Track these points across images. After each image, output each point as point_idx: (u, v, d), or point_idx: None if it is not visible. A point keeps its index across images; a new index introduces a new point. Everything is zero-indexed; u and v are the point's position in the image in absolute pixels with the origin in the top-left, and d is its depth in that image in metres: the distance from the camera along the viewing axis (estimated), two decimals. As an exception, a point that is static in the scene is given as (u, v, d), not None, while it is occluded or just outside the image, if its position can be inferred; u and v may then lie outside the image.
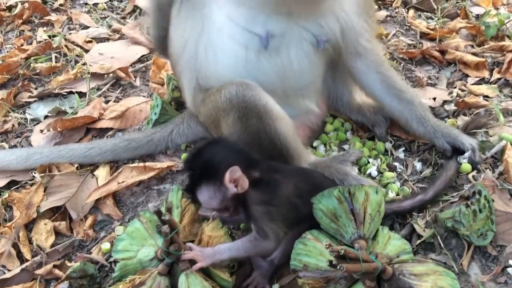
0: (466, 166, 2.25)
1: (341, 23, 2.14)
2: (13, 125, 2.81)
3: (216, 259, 1.78)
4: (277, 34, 2.03)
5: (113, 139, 2.57)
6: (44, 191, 2.35)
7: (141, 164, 2.43)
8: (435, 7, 3.55)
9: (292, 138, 2.09)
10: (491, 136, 2.44)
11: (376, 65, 2.30)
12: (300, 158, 2.15)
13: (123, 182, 2.35)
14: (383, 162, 2.36)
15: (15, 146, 2.70)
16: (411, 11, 3.56)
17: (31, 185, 2.41)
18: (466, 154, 2.24)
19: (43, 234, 2.18)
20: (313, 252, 1.78)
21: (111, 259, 2.05)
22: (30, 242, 2.17)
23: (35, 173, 2.45)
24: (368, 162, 2.36)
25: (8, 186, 2.43)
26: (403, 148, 2.44)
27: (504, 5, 3.67)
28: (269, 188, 1.79)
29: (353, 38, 2.21)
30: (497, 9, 3.55)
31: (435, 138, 2.29)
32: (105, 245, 2.10)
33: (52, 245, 2.15)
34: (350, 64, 2.30)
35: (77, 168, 2.45)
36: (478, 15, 3.47)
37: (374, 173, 2.31)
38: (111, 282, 1.90)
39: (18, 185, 2.42)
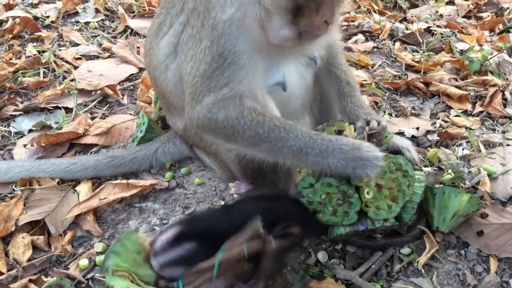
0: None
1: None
2: (-4, 138, 2.78)
3: None
4: (286, 72, 2.09)
5: (96, 156, 2.55)
6: (24, 204, 2.31)
7: (124, 181, 2.41)
8: (421, 40, 3.64)
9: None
10: (472, 167, 2.48)
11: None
12: (288, 175, 2.17)
13: (104, 198, 2.33)
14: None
15: (-2, 158, 2.67)
16: (397, 44, 3.65)
17: (11, 198, 2.37)
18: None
19: (20, 248, 2.13)
20: None
21: (89, 276, 2.02)
22: (7, 255, 2.12)
23: (15, 186, 2.42)
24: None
25: (-13, 198, 2.39)
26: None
27: (488, 42, 3.78)
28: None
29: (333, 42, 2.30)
30: (480, 45, 3.65)
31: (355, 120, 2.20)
32: (83, 262, 2.06)
33: (29, 259, 2.10)
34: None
35: (58, 183, 2.43)
36: (462, 50, 3.57)
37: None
38: None
39: (-1, 197, 2.39)
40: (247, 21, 1.86)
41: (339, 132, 1.99)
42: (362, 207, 1.91)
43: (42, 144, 2.66)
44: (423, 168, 2.42)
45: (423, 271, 2.01)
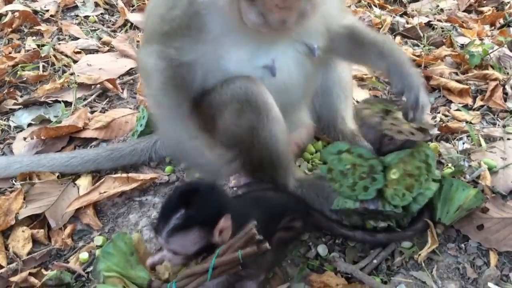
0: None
1: (325, 22, 2.12)
2: (-5, 132, 2.78)
3: None
4: (279, 57, 2.03)
5: (96, 149, 2.55)
6: (24, 198, 2.32)
7: (124, 175, 2.40)
8: (421, 35, 3.63)
9: (283, 145, 2.07)
10: (472, 161, 2.48)
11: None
12: (287, 169, 2.15)
13: (104, 192, 2.33)
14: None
15: (-2, 151, 2.67)
16: (398, 38, 3.64)
17: (11, 192, 2.37)
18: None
19: (20, 241, 2.13)
20: None
21: (89, 269, 2.02)
22: (7, 248, 2.12)
23: (15, 181, 2.42)
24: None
25: (-12, 192, 2.39)
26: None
27: (488, 36, 3.77)
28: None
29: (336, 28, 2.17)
30: (481, 39, 3.64)
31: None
32: (83, 255, 2.06)
33: (29, 253, 2.10)
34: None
35: (58, 177, 2.43)
36: (463, 44, 3.55)
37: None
38: None
39: (-2, 191, 2.39)
40: (220, 2, 1.85)
41: (387, 112, 2.00)
42: (383, 187, 1.91)
43: (42, 138, 2.66)
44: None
45: (423, 264, 2.01)
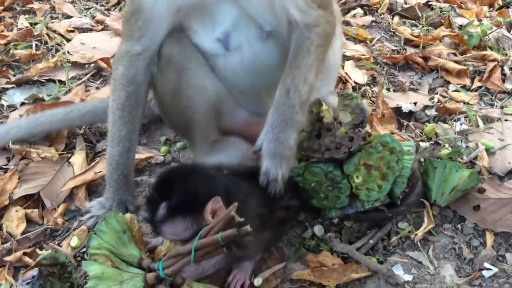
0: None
1: (288, 13, 1.83)
2: (-12, 112, 2.74)
3: (204, 275, 1.75)
4: (232, 32, 1.91)
5: (92, 101, 2.53)
6: (19, 178, 2.29)
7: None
8: (420, 15, 3.59)
9: (201, 115, 2.03)
10: (470, 142, 2.46)
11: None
12: (202, 141, 2.13)
13: (99, 172, 2.30)
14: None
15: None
16: (396, 18, 3.60)
17: (5, 171, 2.35)
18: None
19: (14, 221, 2.11)
20: None
21: (84, 250, 2.00)
22: (0, 228, 2.10)
23: (10, 158, 2.40)
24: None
25: (-19, 172, 2.36)
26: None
27: (487, 17, 3.74)
28: (239, 212, 1.69)
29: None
30: (480, 20, 3.61)
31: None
32: (73, 241, 2.02)
33: (23, 233, 2.08)
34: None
35: (56, 150, 2.43)
36: (461, 25, 3.53)
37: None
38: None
39: (-9, 171, 2.36)
40: None
41: (319, 120, 1.94)
42: (353, 191, 1.91)
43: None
44: (413, 140, 2.43)
45: (419, 245, 2.01)
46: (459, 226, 2.09)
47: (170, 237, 1.67)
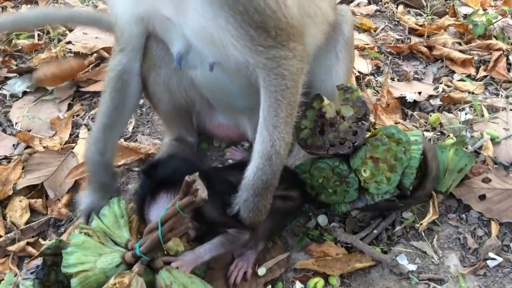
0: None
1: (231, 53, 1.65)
2: (-9, 102, 2.74)
3: (198, 263, 1.73)
4: (185, 54, 1.83)
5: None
6: (23, 168, 2.29)
7: (125, 143, 2.38)
8: (424, 4, 3.55)
9: (170, 111, 2.17)
10: (475, 132, 2.45)
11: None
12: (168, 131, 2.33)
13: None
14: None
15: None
16: (401, 7, 3.56)
17: (9, 161, 2.34)
18: None
19: (18, 211, 2.12)
20: None
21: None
22: (4, 218, 2.10)
23: (15, 148, 2.41)
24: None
25: (-16, 162, 2.36)
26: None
27: (492, 6, 3.70)
28: (221, 192, 1.76)
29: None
30: (485, 10, 3.57)
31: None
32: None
33: (27, 222, 2.09)
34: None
35: (60, 144, 2.43)
36: (466, 14, 3.49)
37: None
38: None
39: (-6, 161, 2.36)
40: None
41: (322, 116, 1.92)
42: (362, 184, 1.89)
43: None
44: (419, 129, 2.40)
45: (423, 234, 2.00)
46: (463, 216, 2.08)
47: (157, 219, 1.63)
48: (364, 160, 1.87)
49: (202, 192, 1.50)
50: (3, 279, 1.86)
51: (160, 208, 1.65)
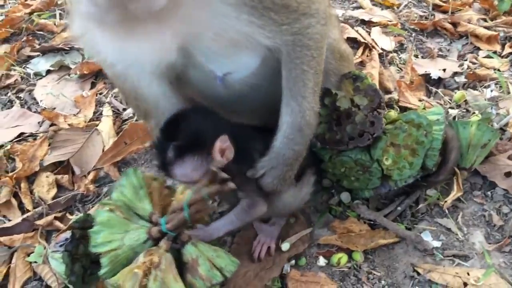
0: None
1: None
2: (16, 80, 2.77)
3: (214, 238, 1.72)
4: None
5: None
6: (49, 145, 2.33)
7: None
8: (449, -20, 3.48)
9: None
10: (500, 109, 2.41)
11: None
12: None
13: (130, 143, 2.32)
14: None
15: (18, 99, 2.67)
16: (425, -17, 3.49)
17: (35, 138, 2.38)
18: None
19: (45, 187, 2.16)
20: None
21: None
22: (32, 193, 2.15)
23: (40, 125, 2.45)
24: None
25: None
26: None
27: (518, -18, 3.60)
28: (247, 154, 1.71)
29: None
30: (511, -15, 3.48)
31: None
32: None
33: (54, 198, 2.13)
34: None
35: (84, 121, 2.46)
36: (491, -11, 3.41)
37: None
38: (102, 278, 1.64)
39: (21, 138, 2.40)
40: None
41: (336, 109, 1.87)
42: (385, 172, 1.88)
43: (85, 72, 2.74)
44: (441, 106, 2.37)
45: (447, 212, 1.99)
46: (488, 193, 2.06)
47: (181, 179, 1.63)
48: (385, 148, 1.86)
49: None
50: (32, 252, 1.90)
51: (186, 168, 1.58)
